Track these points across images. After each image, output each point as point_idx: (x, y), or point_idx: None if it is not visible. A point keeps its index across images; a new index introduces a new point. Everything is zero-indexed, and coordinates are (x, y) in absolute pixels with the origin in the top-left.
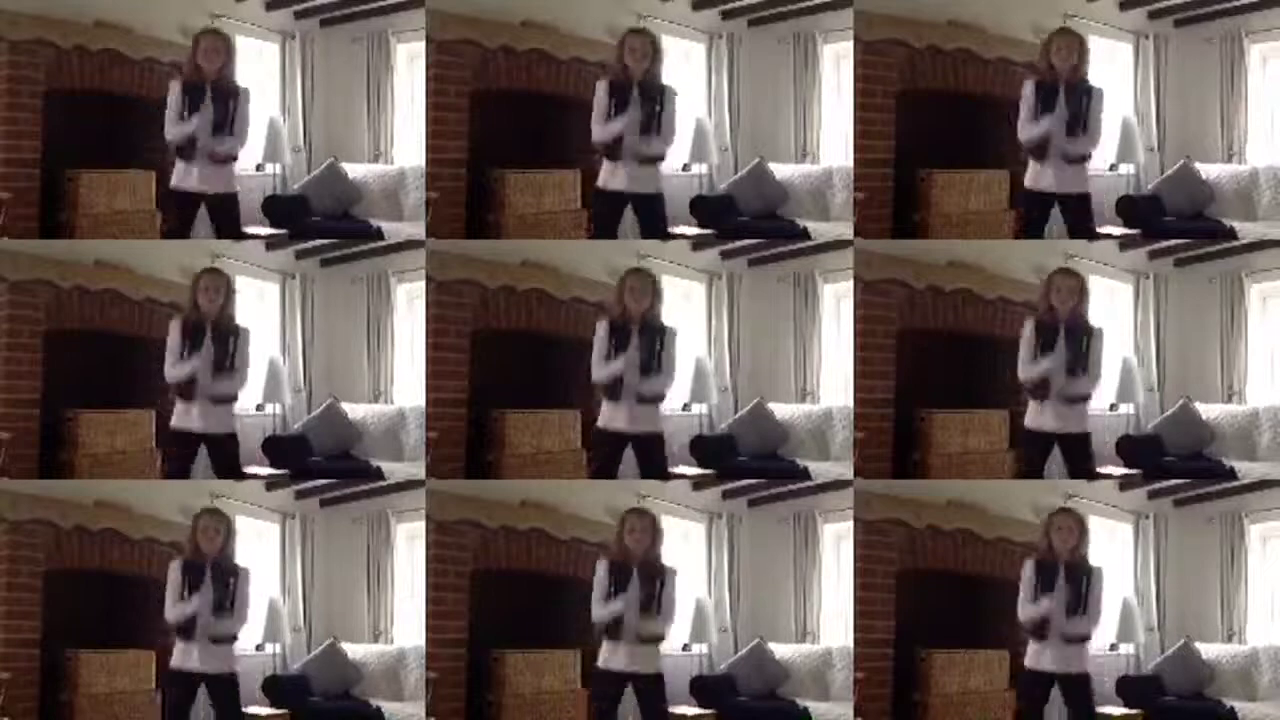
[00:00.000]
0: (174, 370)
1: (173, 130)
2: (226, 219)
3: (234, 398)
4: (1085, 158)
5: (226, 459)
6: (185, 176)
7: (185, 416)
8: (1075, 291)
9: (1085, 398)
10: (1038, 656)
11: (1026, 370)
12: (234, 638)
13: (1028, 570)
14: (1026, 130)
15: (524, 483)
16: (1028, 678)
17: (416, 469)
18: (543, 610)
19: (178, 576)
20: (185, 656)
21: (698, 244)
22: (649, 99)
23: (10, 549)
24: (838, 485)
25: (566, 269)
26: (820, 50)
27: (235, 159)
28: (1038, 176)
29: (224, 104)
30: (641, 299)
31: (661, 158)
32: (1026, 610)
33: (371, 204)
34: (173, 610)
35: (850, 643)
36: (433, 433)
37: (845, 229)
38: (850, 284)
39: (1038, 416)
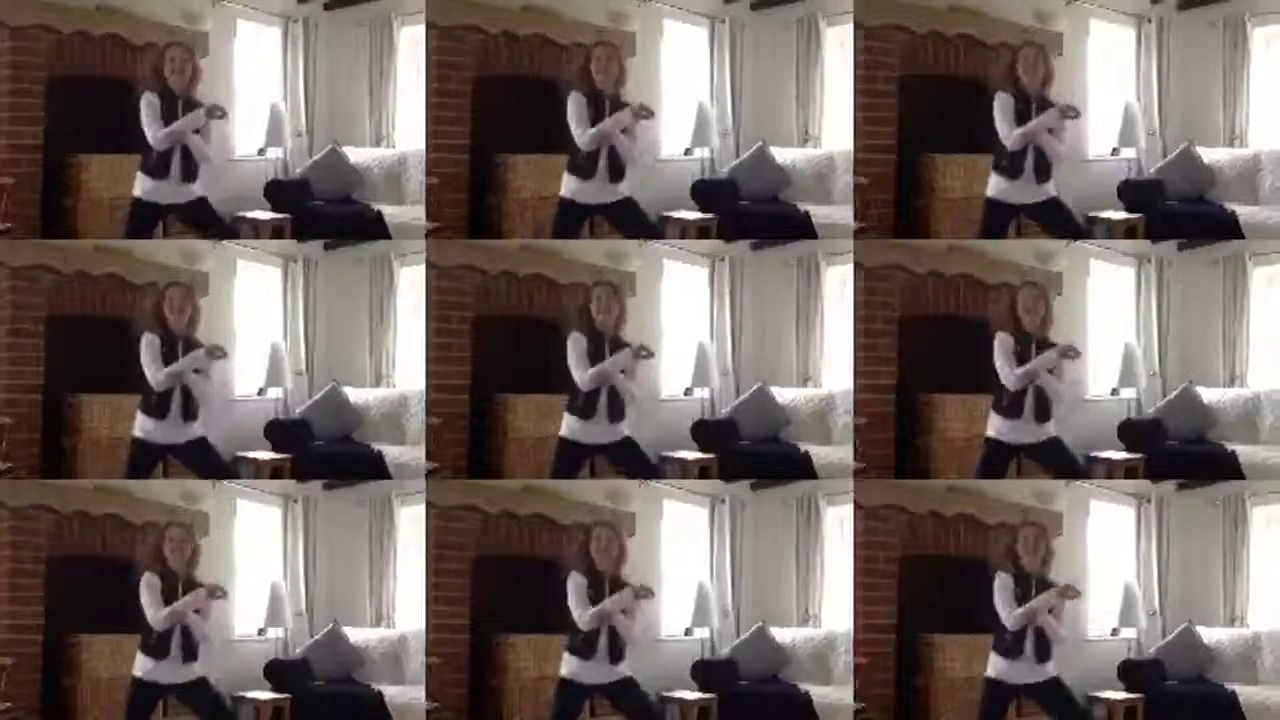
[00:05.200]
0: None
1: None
2: (202, 220)
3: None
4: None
5: (202, 461)
6: (149, 188)
7: (146, 427)
8: (1040, 302)
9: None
10: (1002, 670)
11: (1008, 378)
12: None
13: (1001, 583)
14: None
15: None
16: (991, 687)
17: (418, 453)
18: (544, 595)
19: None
20: (146, 669)
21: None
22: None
23: (12, 535)
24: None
25: (567, 254)
26: (823, 34)
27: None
28: (1002, 189)
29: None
30: (611, 311)
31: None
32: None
33: (373, 188)
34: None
35: (852, 630)
36: (435, 419)
37: (847, 213)
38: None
39: (1001, 427)
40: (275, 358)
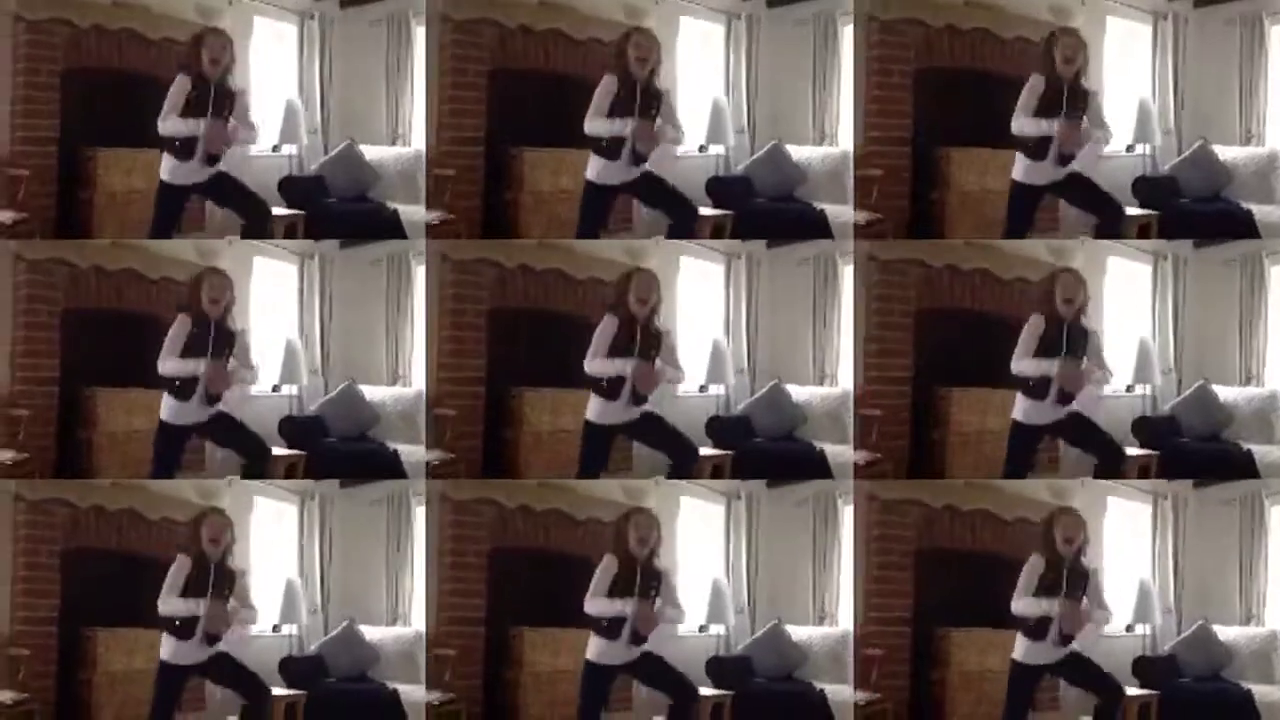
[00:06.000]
0: (169, 366)
1: (170, 126)
2: (233, 193)
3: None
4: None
5: (236, 437)
6: (176, 172)
7: (177, 412)
8: (1078, 290)
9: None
10: (1027, 651)
11: (1021, 365)
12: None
13: (1031, 566)
14: (1023, 125)
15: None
16: (1018, 671)
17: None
18: (559, 589)
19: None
20: (176, 652)
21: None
22: (648, 105)
23: (28, 528)
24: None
25: (583, 248)
26: (840, 31)
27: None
28: (1029, 171)
29: (223, 106)
30: (647, 301)
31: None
32: (1025, 606)
33: (389, 186)
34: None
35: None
36: (450, 410)
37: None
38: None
39: (1029, 413)
40: (290, 354)
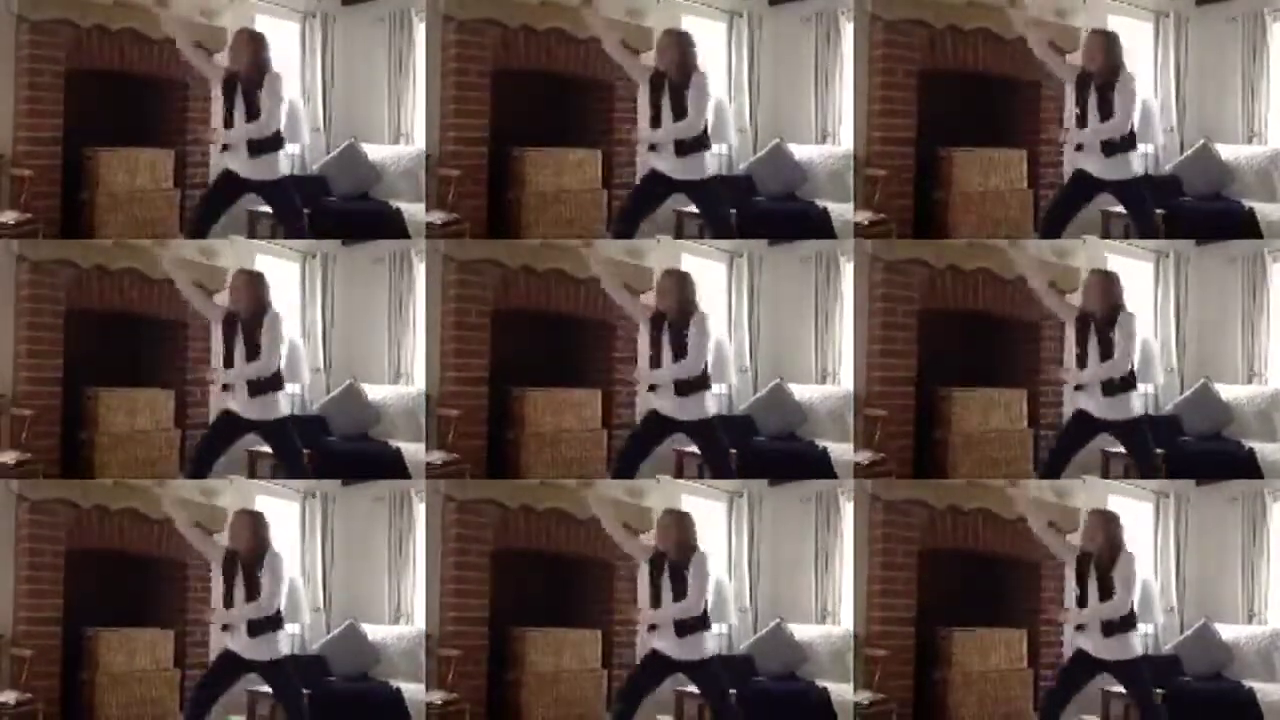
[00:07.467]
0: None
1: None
2: (282, 204)
3: (266, 382)
4: (1115, 145)
5: (282, 444)
6: (233, 161)
7: (228, 400)
8: (1107, 288)
9: (1116, 383)
10: (1080, 641)
11: (1070, 375)
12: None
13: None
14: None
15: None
16: (1077, 656)
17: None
18: (562, 590)
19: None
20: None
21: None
22: (677, 91)
23: (31, 528)
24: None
25: (585, 248)
26: (842, 29)
27: (273, 145)
28: (1079, 161)
29: (253, 94)
30: (667, 297)
31: (694, 141)
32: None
33: (391, 185)
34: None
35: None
36: (453, 411)
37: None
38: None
39: (1083, 401)
40: (292, 354)
